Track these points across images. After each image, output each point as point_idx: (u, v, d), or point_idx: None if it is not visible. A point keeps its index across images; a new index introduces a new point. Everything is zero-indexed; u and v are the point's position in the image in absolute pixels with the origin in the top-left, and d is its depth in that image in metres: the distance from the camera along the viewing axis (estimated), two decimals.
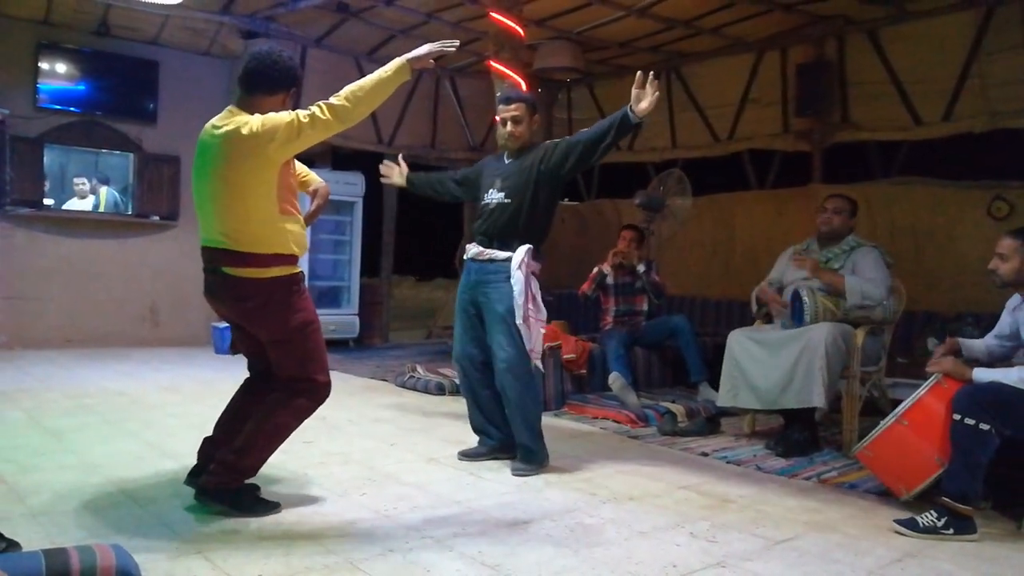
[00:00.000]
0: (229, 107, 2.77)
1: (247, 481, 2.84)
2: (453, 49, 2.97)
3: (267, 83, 2.75)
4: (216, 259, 2.74)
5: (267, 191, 2.67)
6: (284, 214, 2.74)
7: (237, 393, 3.00)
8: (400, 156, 4.07)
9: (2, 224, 6.79)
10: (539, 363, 3.58)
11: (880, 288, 3.99)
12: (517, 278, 3.40)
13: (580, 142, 3.43)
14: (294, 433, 3.95)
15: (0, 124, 6.58)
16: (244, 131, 2.61)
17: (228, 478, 2.74)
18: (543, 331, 3.57)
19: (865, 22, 6.27)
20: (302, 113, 2.65)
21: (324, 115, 2.65)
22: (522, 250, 3.45)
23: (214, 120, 2.74)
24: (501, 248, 3.50)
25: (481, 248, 3.57)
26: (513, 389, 3.44)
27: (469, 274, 3.63)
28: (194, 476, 2.86)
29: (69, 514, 2.72)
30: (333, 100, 2.68)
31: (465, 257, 3.67)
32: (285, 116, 2.65)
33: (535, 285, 3.50)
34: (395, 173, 3.99)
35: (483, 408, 3.68)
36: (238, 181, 2.65)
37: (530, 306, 3.43)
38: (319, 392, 2.83)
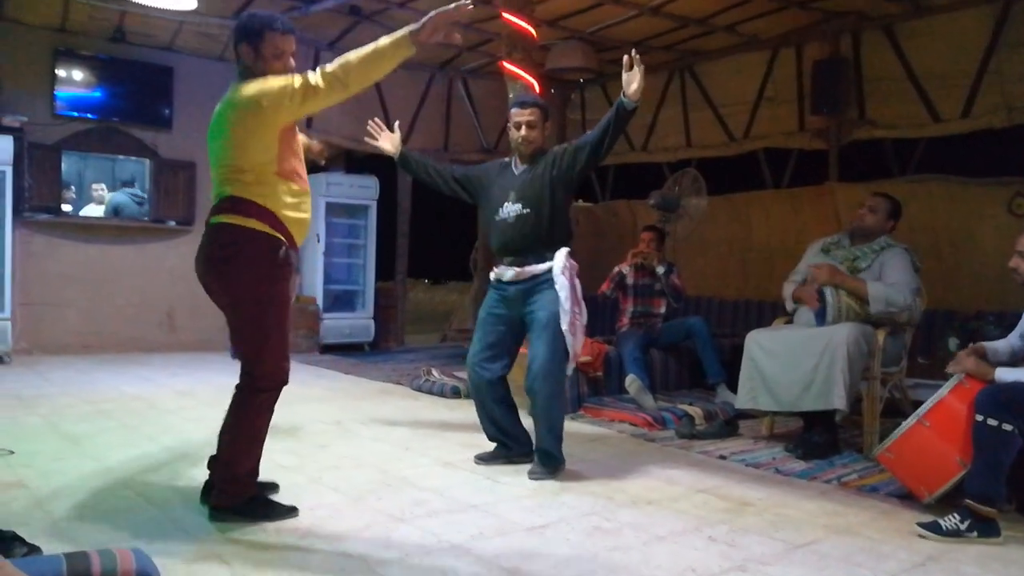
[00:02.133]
0: (232, 83, 2.77)
1: (264, 480, 2.84)
2: (461, 9, 2.70)
3: (236, 40, 2.74)
4: (210, 214, 2.75)
5: (266, 149, 2.65)
6: (283, 176, 2.70)
7: (231, 405, 2.93)
8: (396, 124, 3.91)
9: (21, 231, 6.85)
10: (570, 367, 3.55)
11: (904, 292, 3.90)
12: (562, 283, 3.39)
13: (587, 143, 3.48)
14: (308, 436, 4.00)
15: (18, 131, 6.64)
16: (242, 95, 2.63)
17: (232, 493, 2.72)
18: (584, 339, 3.54)
19: (881, 18, 6.21)
20: (297, 79, 2.63)
21: (315, 81, 2.61)
22: (561, 254, 3.45)
23: (227, 94, 2.76)
24: (537, 261, 3.48)
25: (518, 269, 3.51)
26: (545, 397, 3.42)
27: (506, 293, 3.57)
28: (207, 493, 2.87)
29: (88, 519, 2.73)
30: (328, 66, 2.63)
31: (499, 280, 3.60)
32: (280, 80, 2.64)
33: (579, 286, 3.49)
34: (385, 138, 3.82)
35: (496, 421, 3.66)
36: (238, 142, 2.66)
37: (576, 310, 3.43)
38: (273, 377, 2.71)
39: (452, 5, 2.69)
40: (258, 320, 2.69)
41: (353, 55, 2.63)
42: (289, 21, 2.80)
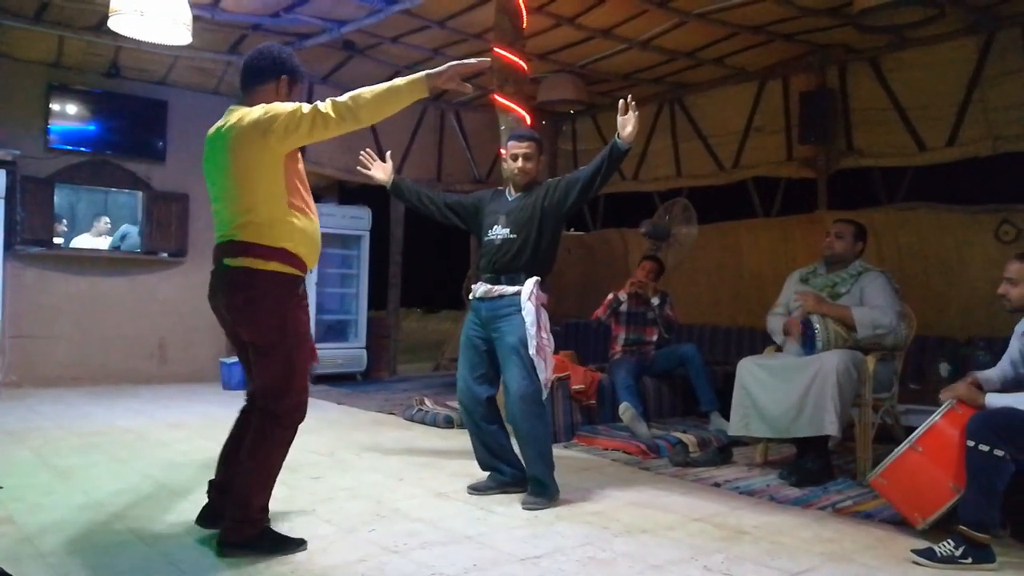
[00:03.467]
0: (231, 106, 2.76)
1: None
2: (479, 65, 2.91)
3: (256, 73, 2.77)
4: (221, 253, 2.72)
5: (273, 181, 2.65)
6: (293, 208, 2.70)
7: (234, 426, 2.93)
8: (388, 153, 3.94)
9: (13, 263, 6.84)
10: (544, 390, 3.56)
11: (889, 314, 3.97)
12: (528, 309, 3.43)
13: (579, 179, 3.55)
14: (301, 467, 3.98)
15: (11, 165, 6.66)
16: (246, 121, 2.62)
17: (243, 530, 2.67)
18: (554, 362, 3.57)
19: (866, 50, 6.32)
20: (306, 106, 2.64)
21: (325, 109, 2.62)
22: (530, 282, 3.49)
23: (218, 122, 2.75)
24: (509, 283, 3.52)
25: (489, 286, 3.58)
26: (526, 421, 3.43)
27: (479, 312, 3.63)
28: (204, 517, 2.84)
29: (78, 554, 2.70)
30: (339, 98, 2.65)
31: (473, 296, 3.67)
32: (288, 105, 2.65)
33: (544, 316, 3.52)
34: (378, 168, 3.87)
35: (488, 445, 3.66)
36: (244, 172, 2.64)
37: (543, 334, 3.46)
38: (295, 411, 2.73)
39: (472, 60, 2.88)
40: (283, 357, 2.70)
41: (367, 90, 2.67)
42: None
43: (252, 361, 2.76)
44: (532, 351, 3.41)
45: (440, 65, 2.82)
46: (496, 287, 3.55)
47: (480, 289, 3.62)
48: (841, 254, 4.22)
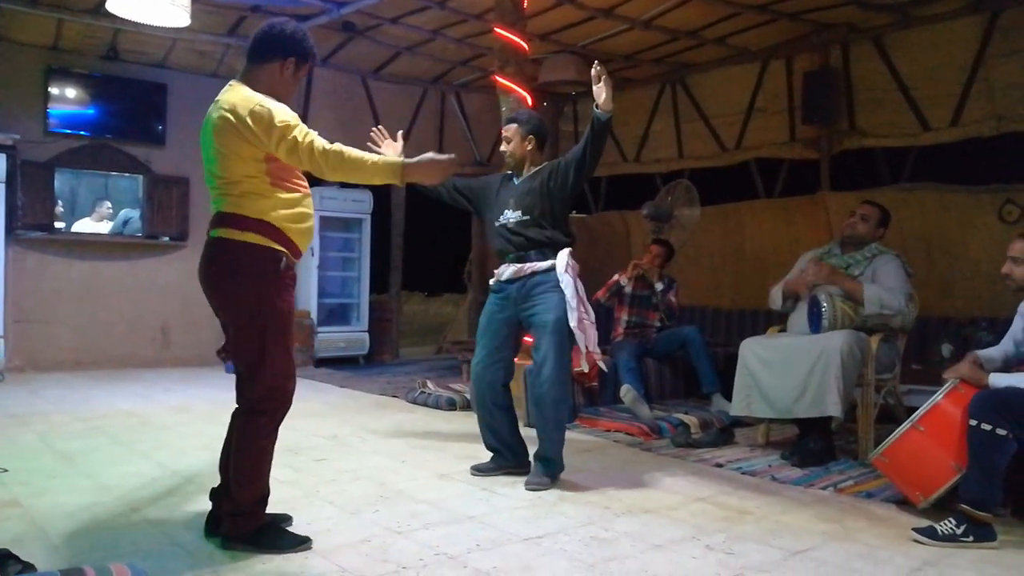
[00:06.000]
0: (231, 81, 2.67)
1: (275, 512, 2.77)
2: (452, 166, 2.80)
3: (263, 49, 2.65)
4: (209, 225, 2.64)
5: (253, 163, 2.54)
6: (277, 184, 2.58)
7: (228, 431, 2.77)
8: (400, 133, 3.78)
9: (14, 248, 6.84)
10: (602, 364, 3.63)
11: (899, 297, 3.95)
12: (567, 281, 3.42)
13: (574, 158, 3.56)
14: (304, 450, 4.00)
15: (11, 149, 6.64)
16: (237, 113, 2.51)
17: (242, 523, 2.60)
18: (595, 334, 3.55)
19: (870, 29, 6.27)
20: (300, 129, 2.52)
21: (300, 150, 2.50)
22: (564, 253, 3.49)
23: (218, 96, 2.64)
24: (540, 258, 3.51)
25: (519, 265, 3.55)
26: (553, 402, 3.44)
27: (507, 294, 3.59)
28: (210, 523, 2.77)
29: (83, 536, 2.71)
30: (321, 146, 2.53)
31: (499, 280, 3.62)
32: (283, 115, 2.52)
33: (581, 287, 3.51)
34: (387, 147, 3.72)
35: (496, 430, 3.66)
36: (227, 153, 2.54)
37: (583, 308, 3.45)
38: (272, 398, 2.58)
39: (446, 159, 2.75)
40: (256, 337, 2.56)
41: (350, 152, 2.57)
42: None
43: (232, 340, 2.64)
44: (573, 323, 3.39)
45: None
46: (527, 264, 3.52)
47: (508, 271, 3.58)
48: (863, 236, 4.18)
